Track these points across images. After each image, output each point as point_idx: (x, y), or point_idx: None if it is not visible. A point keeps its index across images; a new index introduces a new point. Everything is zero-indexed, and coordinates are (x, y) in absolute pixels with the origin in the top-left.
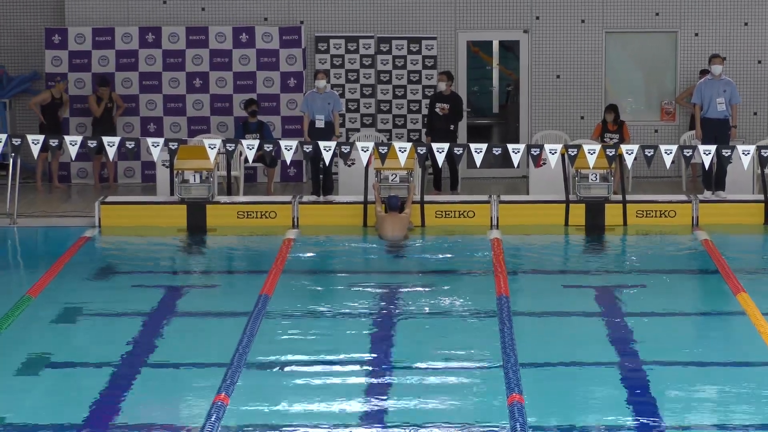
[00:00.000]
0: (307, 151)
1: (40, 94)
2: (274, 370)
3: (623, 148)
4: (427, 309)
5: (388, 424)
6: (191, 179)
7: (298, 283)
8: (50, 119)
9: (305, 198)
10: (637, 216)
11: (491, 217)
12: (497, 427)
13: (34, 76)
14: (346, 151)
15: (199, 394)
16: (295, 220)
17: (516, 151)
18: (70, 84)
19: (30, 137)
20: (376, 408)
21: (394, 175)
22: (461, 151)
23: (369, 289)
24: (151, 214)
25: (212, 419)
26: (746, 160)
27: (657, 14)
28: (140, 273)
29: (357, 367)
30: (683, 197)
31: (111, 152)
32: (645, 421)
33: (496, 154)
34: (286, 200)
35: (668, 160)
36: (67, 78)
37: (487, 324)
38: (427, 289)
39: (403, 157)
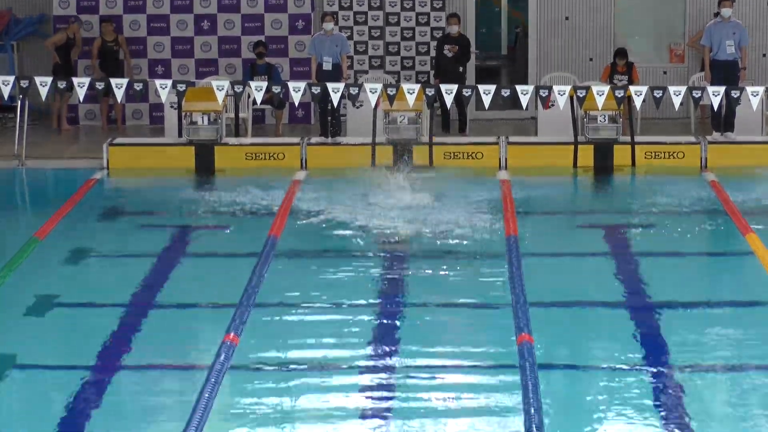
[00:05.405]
0: (316, 92)
1: (56, 34)
2: (284, 310)
3: (632, 89)
4: (433, 248)
5: (396, 374)
6: (199, 121)
7: (307, 224)
8: (63, 60)
9: (313, 139)
10: (645, 157)
11: (500, 159)
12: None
13: (41, 19)
14: (354, 93)
15: (208, 334)
16: (304, 161)
17: (524, 93)
18: None
19: (38, 79)
20: (384, 350)
21: (402, 117)
22: (470, 93)
23: (377, 229)
24: (159, 156)
25: (221, 359)
26: (755, 102)
27: None
28: (148, 214)
29: (366, 306)
30: (692, 139)
31: (119, 94)
32: (653, 359)
33: (505, 95)
34: (294, 142)
35: (677, 101)
36: (80, 19)
37: (496, 268)
38: (435, 229)
39: (411, 99)
